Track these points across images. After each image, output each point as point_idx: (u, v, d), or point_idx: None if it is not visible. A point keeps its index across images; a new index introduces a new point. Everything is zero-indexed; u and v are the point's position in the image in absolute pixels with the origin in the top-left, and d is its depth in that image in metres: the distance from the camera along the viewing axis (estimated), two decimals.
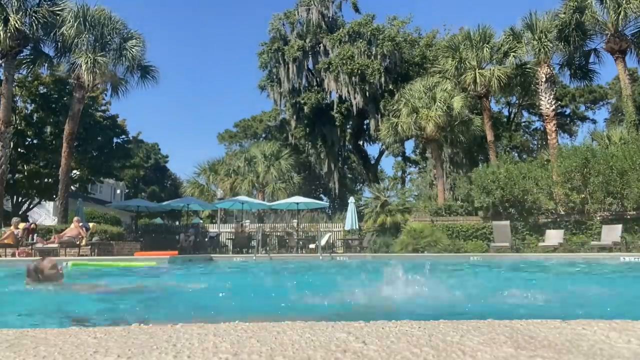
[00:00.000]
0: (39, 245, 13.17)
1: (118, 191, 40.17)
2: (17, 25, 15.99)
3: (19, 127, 23.06)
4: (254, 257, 14.01)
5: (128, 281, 7.19)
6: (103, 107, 28.36)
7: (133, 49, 18.40)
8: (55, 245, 13.09)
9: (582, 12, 19.11)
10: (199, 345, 0.73)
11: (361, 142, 34.16)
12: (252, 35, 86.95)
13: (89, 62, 16.91)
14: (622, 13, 17.99)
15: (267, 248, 18.81)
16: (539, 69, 19.67)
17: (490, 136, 20.94)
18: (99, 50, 17.61)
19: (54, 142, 23.71)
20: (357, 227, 19.54)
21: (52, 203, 27.84)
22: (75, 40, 17.39)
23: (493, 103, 30.01)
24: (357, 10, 32.35)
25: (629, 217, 15.06)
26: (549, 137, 19.71)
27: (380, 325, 0.86)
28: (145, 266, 10.30)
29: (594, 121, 37.92)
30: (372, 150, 64.08)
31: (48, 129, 24.63)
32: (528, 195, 16.53)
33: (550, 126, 19.52)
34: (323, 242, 18.06)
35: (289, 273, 9.63)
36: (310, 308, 3.80)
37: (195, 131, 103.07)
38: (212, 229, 23.75)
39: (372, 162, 35.36)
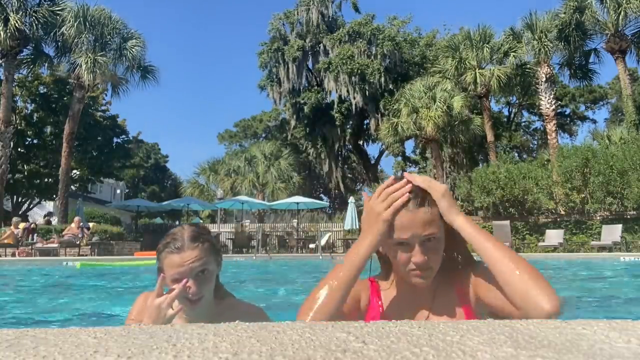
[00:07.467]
0: (39, 245, 13.19)
1: (118, 191, 40.19)
2: (17, 25, 16.01)
3: (19, 127, 23.08)
4: (254, 257, 14.02)
5: None
6: (103, 107, 28.39)
7: (133, 49, 18.42)
8: (56, 245, 13.11)
9: (582, 12, 19.11)
10: (199, 345, 0.73)
11: (361, 142, 34.14)
12: (252, 35, 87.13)
13: (89, 62, 16.92)
14: (622, 13, 18.00)
15: (267, 248, 18.81)
16: (539, 69, 19.67)
17: (490, 136, 20.95)
18: (99, 50, 17.62)
19: (54, 142, 23.74)
20: (357, 226, 19.52)
21: (52, 203, 27.86)
22: (75, 40, 17.42)
23: (493, 103, 29.99)
24: (357, 10, 32.37)
25: (629, 217, 15.06)
26: (549, 137, 19.72)
27: (380, 325, 0.86)
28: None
29: (594, 121, 37.90)
30: (372, 150, 64.11)
31: (48, 129, 24.67)
32: (528, 195, 16.53)
33: (550, 126, 19.53)
34: (323, 242, 18.06)
35: None
36: None
37: (195, 131, 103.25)
38: (212, 229, 23.76)
39: (372, 162, 35.35)
